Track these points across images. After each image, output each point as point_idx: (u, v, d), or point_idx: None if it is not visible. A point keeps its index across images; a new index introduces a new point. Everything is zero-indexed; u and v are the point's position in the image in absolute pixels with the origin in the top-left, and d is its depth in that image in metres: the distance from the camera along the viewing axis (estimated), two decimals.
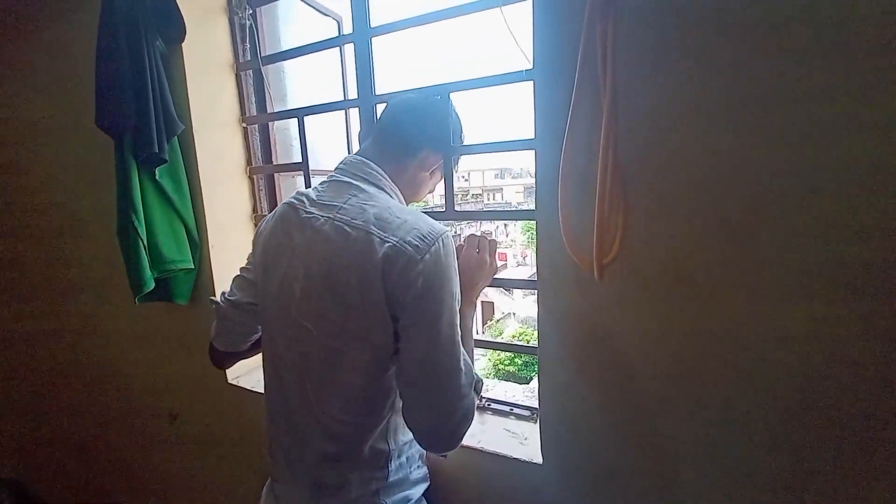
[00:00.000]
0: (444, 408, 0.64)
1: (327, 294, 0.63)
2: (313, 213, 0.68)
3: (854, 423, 0.59)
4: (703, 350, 0.66)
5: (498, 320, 13.37)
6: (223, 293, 0.83)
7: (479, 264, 0.83)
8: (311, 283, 0.65)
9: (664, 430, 0.71)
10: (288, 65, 1.38)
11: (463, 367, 0.65)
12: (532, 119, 0.77)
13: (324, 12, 1.49)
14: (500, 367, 9.54)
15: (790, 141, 0.56)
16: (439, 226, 0.65)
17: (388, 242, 0.61)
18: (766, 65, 0.56)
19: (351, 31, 1.03)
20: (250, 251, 0.82)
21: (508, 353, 9.35)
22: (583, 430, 0.79)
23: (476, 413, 1.00)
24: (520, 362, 9.32)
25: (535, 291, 0.81)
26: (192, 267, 1.15)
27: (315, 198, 0.71)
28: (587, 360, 0.76)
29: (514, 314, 13.23)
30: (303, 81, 1.46)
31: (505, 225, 20.51)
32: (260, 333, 0.81)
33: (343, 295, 0.62)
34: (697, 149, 0.62)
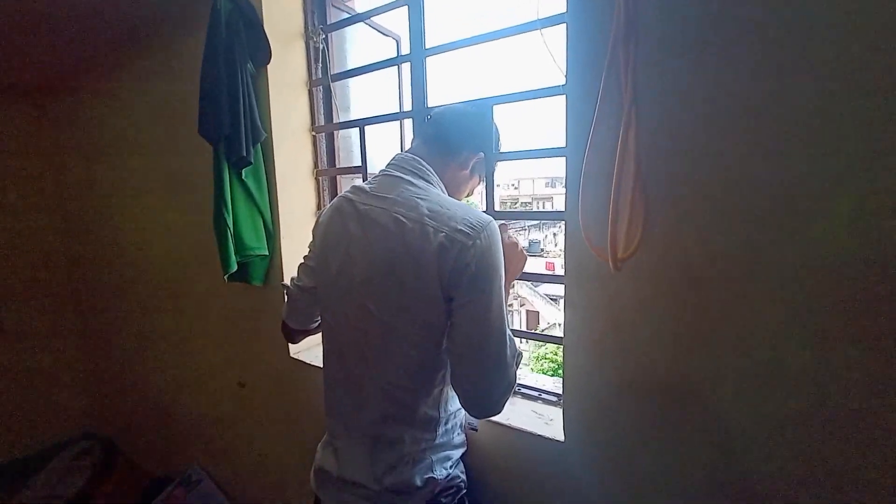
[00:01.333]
0: (492, 377, 0.72)
1: (388, 277, 0.72)
2: (370, 205, 0.77)
3: (853, 417, 0.62)
4: (711, 342, 0.72)
5: (543, 330, 13.16)
6: (292, 278, 0.97)
7: (510, 246, 0.91)
8: (371, 268, 0.74)
9: (674, 415, 0.77)
10: (352, 80, 1.56)
11: (508, 342, 0.73)
12: (564, 129, 0.87)
13: (384, 33, 1.67)
14: (545, 361, 9.45)
15: (799, 151, 0.62)
16: (485, 215, 0.73)
17: (442, 232, 0.69)
18: (770, 84, 0.62)
19: (408, 52, 1.18)
20: (311, 241, 0.93)
21: (550, 352, 9.29)
22: (601, 412, 0.86)
23: None
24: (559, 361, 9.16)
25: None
26: (267, 253, 1.34)
27: (369, 190, 0.80)
28: (607, 348, 0.84)
29: (558, 325, 12.96)
30: (364, 94, 1.64)
31: (554, 235, 20.15)
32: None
33: (402, 278, 0.71)
34: (710, 160, 0.68)
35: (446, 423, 0.85)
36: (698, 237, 0.71)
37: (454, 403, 0.85)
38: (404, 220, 0.72)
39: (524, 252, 0.95)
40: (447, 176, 0.86)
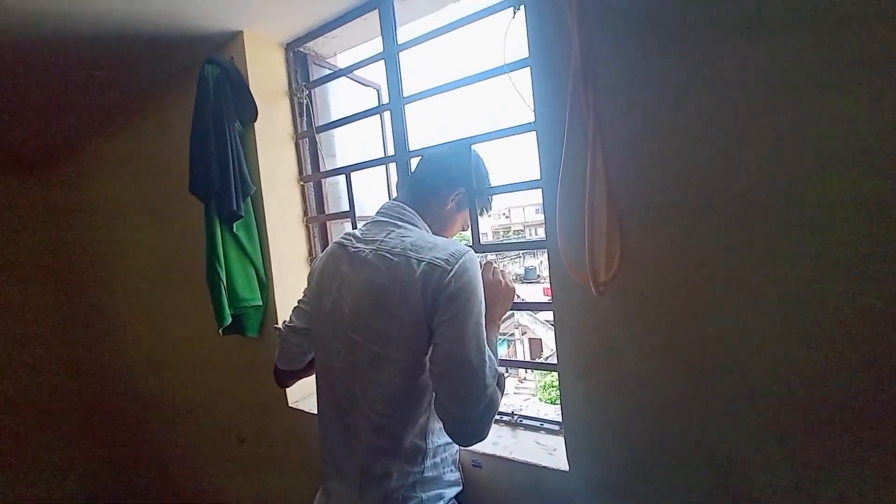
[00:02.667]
0: (471, 396, 0.74)
1: (375, 308, 0.78)
2: (360, 248, 0.85)
3: (845, 421, 0.63)
4: (703, 357, 0.73)
5: (546, 357, 12.97)
6: (284, 321, 1.01)
7: (494, 283, 0.97)
8: (360, 302, 0.80)
9: (671, 435, 0.77)
10: (336, 129, 1.64)
11: (487, 362, 0.76)
12: (538, 163, 0.92)
13: (365, 84, 1.76)
14: (552, 389, 9.18)
15: (758, 164, 0.66)
16: (464, 246, 0.80)
17: (424, 261, 0.76)
18: (726, 98, 0.68)
19: (387, 101, 1.25)
20: (306, 286, 0.98)
21: (553, 381, 9.04)
22: (602, 439, 0.86)
23: (509, 428, 1.09)
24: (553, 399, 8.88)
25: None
26: (261, 303, 1.36)
27: (360, 235, 0.88)
28: (600, 372, 0.85)
29: None
30: (350, 141, 1.70)
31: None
32: (313, 354, 0.98)
33: (387, 308, 0.77)
34: (676, 176, 0.73)
35: (434, 456, 0.85)
36: (675, 251, 0.74)
37: (442, 436, 0.85)
38: (390, 256, 0.80)
39: (509, 286, 0.99)
40: (431, 215, 0.93)
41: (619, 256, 0.77)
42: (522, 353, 13.90)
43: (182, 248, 1.66)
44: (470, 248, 0.80)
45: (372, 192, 1.66)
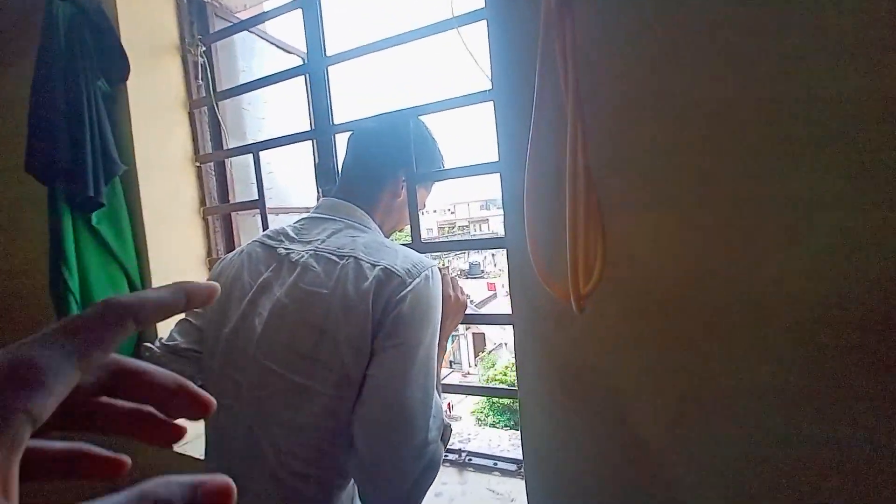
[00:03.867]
0: (408, 453, 0.56)
1: (303, 324, 0.58)
2: (292, 249, 0.66)
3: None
4: (700, 384, 0.58)
5: (490, 352, 13.10)
6: (159, 339, 0.74)
7: (445, 298, 0.77)
8: (282, 315, 0.60)
9: (665, 480, 0.61)
10: (248, 103, 1.34)
11: (434, 408, 0.60)
12: (495, 141, 0.72)
13: (288, 50, 1.47)
14: (479, 416, 8.79)
15: (758, 145, 0.51)
16: (430, 260, 0.64)
17: (380, 265, 0.60)
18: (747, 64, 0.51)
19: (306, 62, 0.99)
20: None
21: (486, 400, 8.47)
22: (575, 485, 0.68)
23: (455, 469, 0.89)
24: (502, 409, 8.52)
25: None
26: None
27: (293, 235, 0.69)
28: (574, 402, 0.67)
29: (505, 345, 12.98)
30: (269, 120, 1.41)
31: (493, 255, 20.58)
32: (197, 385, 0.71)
33: (321, 322, 0.58)
34: (673, 155, 0.56)
35: None
36: (670, 253, 0.58)
37: None
38: (334, 257, 0.62)
39: (461, 299, 0.81)
40: (380, 210, 0.76)
41: (601, 262, 0.59)
42: (466, 348, 13.95)
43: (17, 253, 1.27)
44: (436, 264, 0.65)
45: (299, 181, 1.39)
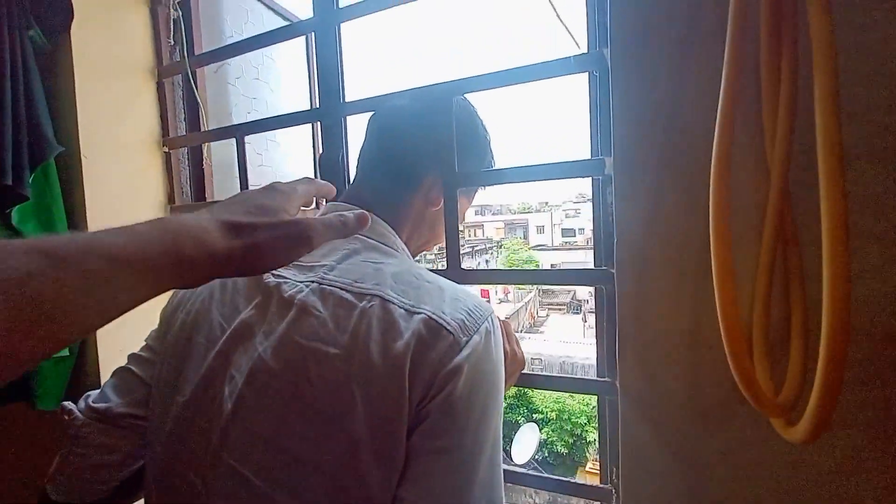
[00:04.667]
0: None
1: (291, 405, 0.38)
2: (285, 278, 0.44)
3: None
4: None
5: None
6: (87, 396, 0.49)
7: (511, 358, 0.57)
8: (263, 388, 0.39)
9: None
10: (237, 77, 1.08)
11: None
12: (593, 130, 0.48)
13: (288, 18, 1.22)
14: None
15: None
16: (485, 303, 0.43)
17: (421, 314, 0.38)
18: None
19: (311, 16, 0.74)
20: (153, 330, 0.52)
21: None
22: None
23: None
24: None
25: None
26: (67, 354, 0.77)
27: None
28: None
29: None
30: (262, 100, 1.16)
31: (486, 262, 20.43)
32: (138, 466, 0.49)
33: (323, 405, 0.37)
34: None
35: None
36: None
37: None
38: (349, 296, 0.41)
39: (519, 355, 0.59)
40: (411, 221, 0.54)
41: (801, 344, 0.35)
42: None
43: None
44: (491, 307, 0.42)
45: (297, 177, 1.14)
